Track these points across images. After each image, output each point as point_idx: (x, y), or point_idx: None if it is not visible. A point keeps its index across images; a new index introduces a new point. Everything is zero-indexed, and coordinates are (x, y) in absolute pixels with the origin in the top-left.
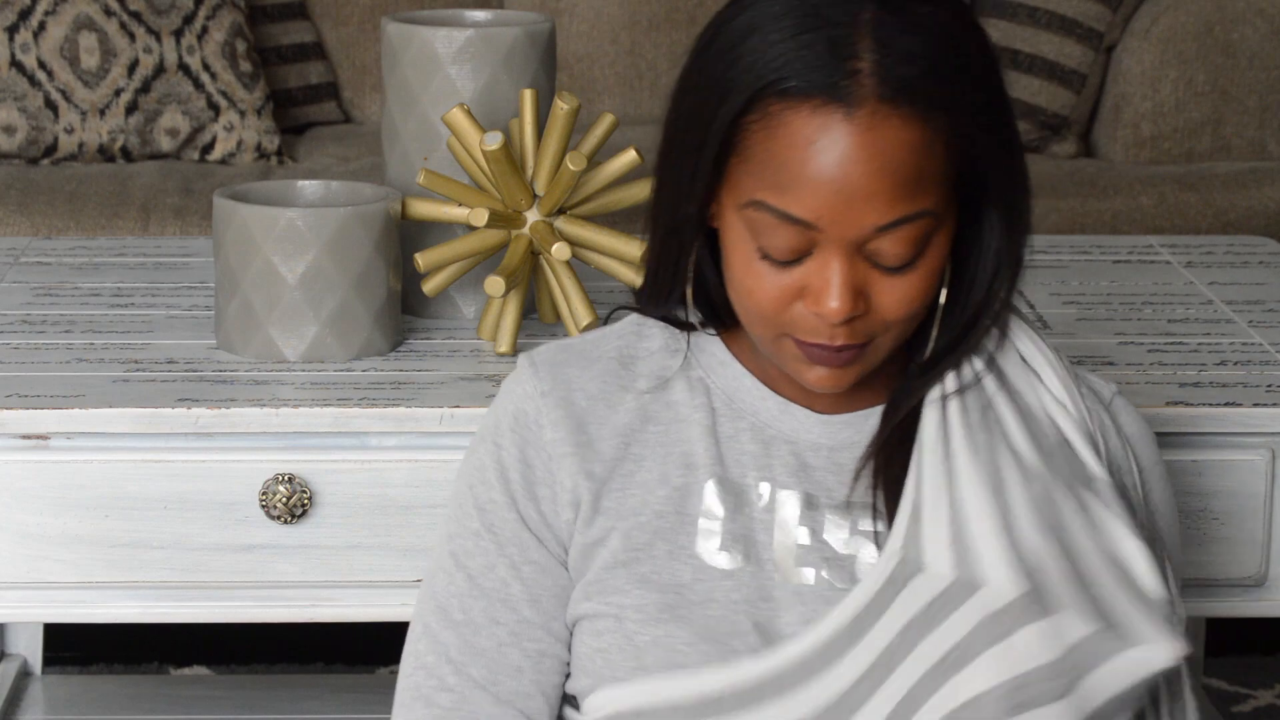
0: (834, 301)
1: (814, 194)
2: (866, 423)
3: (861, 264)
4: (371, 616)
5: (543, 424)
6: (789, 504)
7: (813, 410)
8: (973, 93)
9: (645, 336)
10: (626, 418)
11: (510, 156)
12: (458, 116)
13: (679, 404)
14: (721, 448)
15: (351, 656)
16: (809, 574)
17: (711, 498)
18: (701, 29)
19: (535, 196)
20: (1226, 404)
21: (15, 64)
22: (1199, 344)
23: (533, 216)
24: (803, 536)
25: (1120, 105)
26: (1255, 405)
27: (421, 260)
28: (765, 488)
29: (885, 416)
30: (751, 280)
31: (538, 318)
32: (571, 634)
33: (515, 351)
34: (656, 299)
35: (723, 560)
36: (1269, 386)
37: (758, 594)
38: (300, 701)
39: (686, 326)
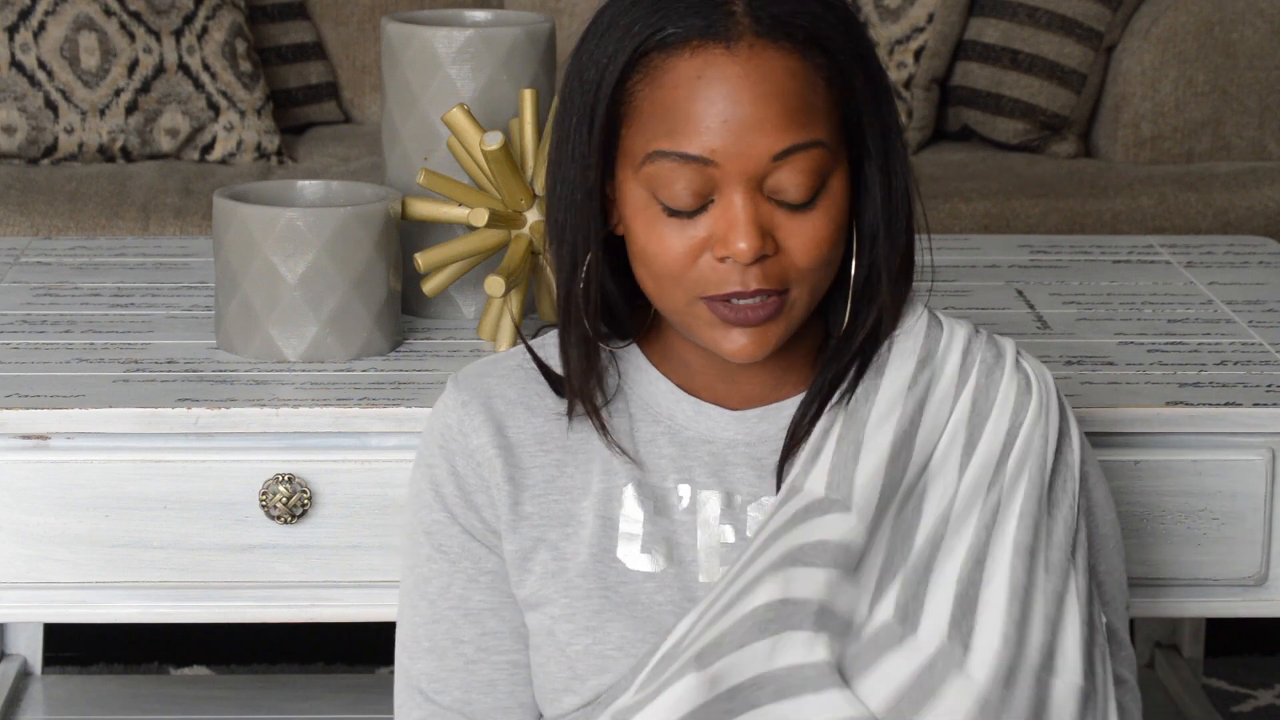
0: (742, 241)
1: (706, 128)
2: (781, 415)
3: (764, 204)
4: (371, 616)
5: (467, 431)
6: (710, 504)
7: (727, 408)
8: (843, 38)
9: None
10: (546, 424)
11: (510, 156)
12: (458, 116)
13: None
14: (640, 452)
15: (351, 656)
16: None
17: (631, 502)
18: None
19: (535, 196)
20: (1226, 404)
21: (15, 64)
22: (1199, 344)
23: (533, 216)
24: (727, 535)
25: (1120, 105)
26: (1255, 405)
27: (421, 260)
28: (685, 490)
29: (803, 402)
30: (655, 243)
31: (538, 318)
32: None
33: None
34: (567, 316)
35: (645, 563)
36: (1269, 386)
37: (682, 594)
38: (300, 701)
39: (601, 337)
